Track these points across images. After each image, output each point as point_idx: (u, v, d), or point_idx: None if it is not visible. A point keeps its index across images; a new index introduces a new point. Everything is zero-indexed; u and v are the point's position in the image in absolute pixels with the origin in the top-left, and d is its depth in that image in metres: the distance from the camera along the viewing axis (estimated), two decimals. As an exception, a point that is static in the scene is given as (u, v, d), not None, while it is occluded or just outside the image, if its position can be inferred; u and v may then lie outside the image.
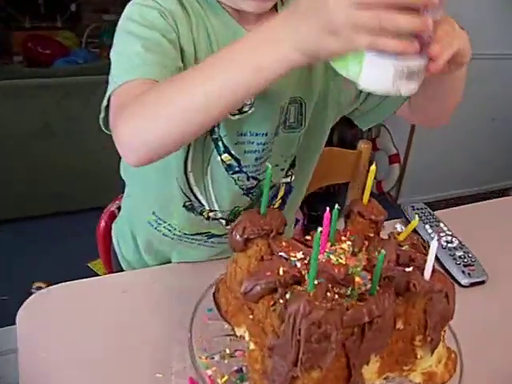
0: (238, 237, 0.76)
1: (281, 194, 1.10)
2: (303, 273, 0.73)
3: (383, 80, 0.62)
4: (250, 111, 0.92)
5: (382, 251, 0.63)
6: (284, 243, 0.77)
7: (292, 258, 0.75)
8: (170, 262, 1.12)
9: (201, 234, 1.07)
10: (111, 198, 1.33)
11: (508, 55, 3.10)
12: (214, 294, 0.85)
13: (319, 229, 0.61)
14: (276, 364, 0.65)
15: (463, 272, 1.10)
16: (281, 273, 0.70)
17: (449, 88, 0.85)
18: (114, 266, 1.25)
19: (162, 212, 1.05)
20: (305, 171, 1.12)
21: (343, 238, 0.81)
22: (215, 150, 0.95)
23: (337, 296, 0.71)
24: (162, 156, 0.76)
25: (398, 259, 0.74)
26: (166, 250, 1.11)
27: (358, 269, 0.76)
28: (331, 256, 0.74)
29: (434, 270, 0.68)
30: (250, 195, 1.04)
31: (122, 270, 1.20)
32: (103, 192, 1.60)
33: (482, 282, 1.11)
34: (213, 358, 0.77)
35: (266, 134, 0.95)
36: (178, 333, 0.87)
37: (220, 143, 0.94)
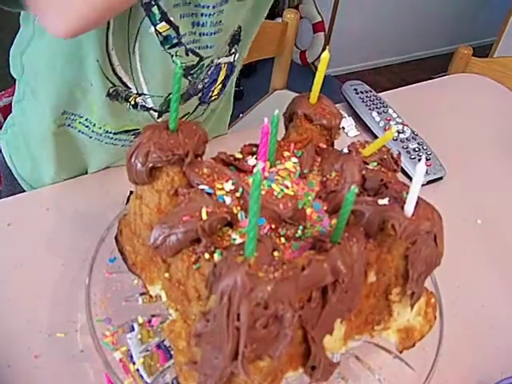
0: (139, 165, 0.53)
1: (221, 77, 0.87)
2: (235, 211, 0.53)
3: None
4: None
5: (353, 187, 0.42)
6: (206, 170, 0.54)
7: (218, 192, 0.53)
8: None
9: (127, 131, 0.85)
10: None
11: None
12: (116, 237, 0.63)
13: (259, 164, 0.38)
14: (207, 354, 0.45)
15: (419, 168, 0.93)
16: (204, 216, 0.49)
17: None
18: (5, 183, 1.01)
19: (77, 107, 0.81)
20: (246, 46, 0.89)
21: (286, 153, 0.59)
22: (147, 19, 0.71)
23: (283, 240, 0.52)
24: (97, 25, 0.64)
25: (363, 184, 0.54)
26: (79, 158, 0.89)
27: (310, 198, 0.56)
28: (273, 185, 0.53)
29: (417, 202, 0.48)
30: (190, 77, 0.81)
31: (11, 190, 0.97)
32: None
33: (440, 179, 0.96)
34: (122, 331, 0.57)
35: (214, 6, 0.71)
36: (81, 275, 0.67)
37: (155, 9, 0.70)
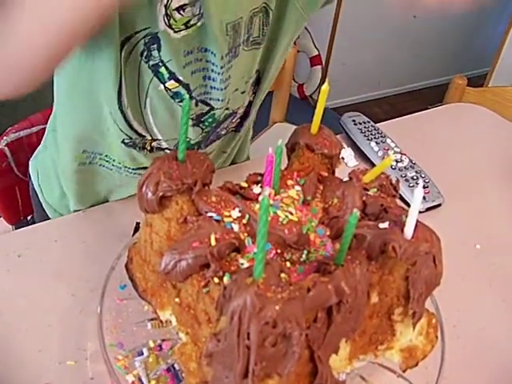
0: (149, 194, 0.56)
1: (240, 114, 0.90)
2: (242, 237, 0.55)
3: None
4: (200, 23, 0.69)
5: (355, 210, 0.45)
6: (213, 198, 0.57)
7: (226, 219, 0.56)
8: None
9: (145, 168, 0.87)
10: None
11: None
12: (126, 265, 0.65)
13: (266, 191, 0.41)
14: (218, 374, 0.47)
15: (417, 195, 0.96)
16: (212, 242, 0.52)
17: None
18: (35, 208, 1.04)
19: (97, 147, 0.83)
20: (266, 86, 0.91)
21: (289, 181, 0.62)
22: (155, 79, 0.73)
23: (288, 264, 0.55)
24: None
25: (364, 209, 0.56)
26: (100, 189, 0.91)
27: (313, 224, 0.58)
28: (278, 211, 0.56)
29: (416, 224, 0.51)
30: (201, 125, 0.83)
31: (43, 215, 0.99)
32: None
33: (438, 206, 0.98)
34: (132, 356, 0.59)
35: (222, 58, 0.72)
36: (90, 304, 0.69)
37: (163, 69, 0.72)
